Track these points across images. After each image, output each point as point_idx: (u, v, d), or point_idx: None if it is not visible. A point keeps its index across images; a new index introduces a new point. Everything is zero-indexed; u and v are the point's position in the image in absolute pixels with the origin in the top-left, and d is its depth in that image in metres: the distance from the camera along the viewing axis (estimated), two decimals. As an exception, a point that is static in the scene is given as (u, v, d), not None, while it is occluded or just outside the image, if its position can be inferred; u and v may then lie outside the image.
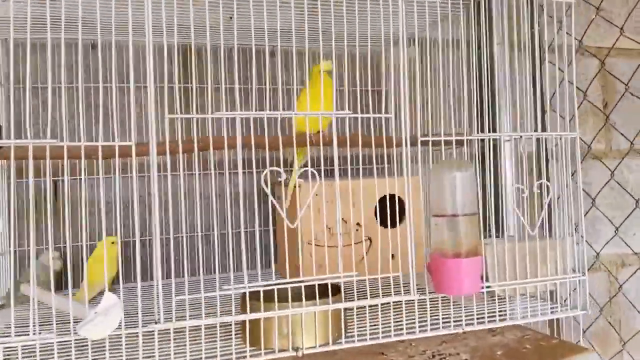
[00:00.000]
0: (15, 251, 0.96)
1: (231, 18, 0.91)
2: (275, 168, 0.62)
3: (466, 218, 0.60)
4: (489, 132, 0.84)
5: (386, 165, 1.21)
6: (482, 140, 0.83)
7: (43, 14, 0.65)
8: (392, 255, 0.99)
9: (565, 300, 0.77)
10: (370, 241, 1.01)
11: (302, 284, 0.63)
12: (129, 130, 0.69)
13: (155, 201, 0.56)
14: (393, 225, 0.96)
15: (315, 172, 0.63)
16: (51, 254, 0.61)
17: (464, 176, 0.60)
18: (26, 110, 0.56)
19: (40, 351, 0.56)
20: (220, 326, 0.64)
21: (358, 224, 1.00)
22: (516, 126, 0.89)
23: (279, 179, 0.63)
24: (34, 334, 0.52)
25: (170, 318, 0.55)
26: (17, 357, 0.54)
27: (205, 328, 0.60)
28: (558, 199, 0.87)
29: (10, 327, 0.56)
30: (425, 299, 0.68)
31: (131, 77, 0.62)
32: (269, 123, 0.62)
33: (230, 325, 0.65)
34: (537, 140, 1.04)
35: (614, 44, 1.13)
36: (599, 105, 1.36)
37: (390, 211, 0.96)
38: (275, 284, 0.58)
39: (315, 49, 1.10)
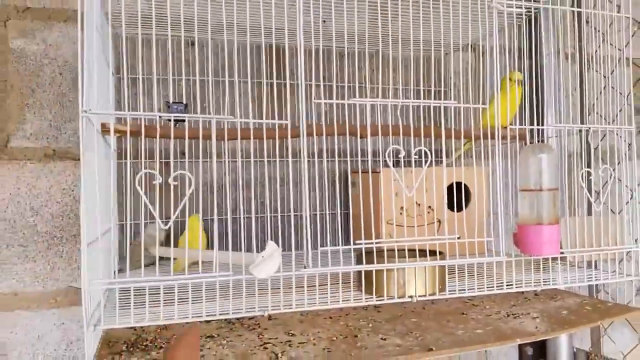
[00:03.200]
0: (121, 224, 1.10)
1: (324, 21, 1.05)
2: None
3: (548, 192, 0.74)
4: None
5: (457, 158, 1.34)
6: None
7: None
8: (459, 237, 1.12)
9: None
10: (440, 223, 1.15)
11: (415, 244, 0.76)
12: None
13: (306, 183, 0.70)
14: (460, 209, 1.10)
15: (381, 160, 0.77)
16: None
17: (548, 157, 0.74)
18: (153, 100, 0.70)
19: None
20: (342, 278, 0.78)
21: (430, 207, 1.14)
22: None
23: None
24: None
25: (317, 265, 0.68)
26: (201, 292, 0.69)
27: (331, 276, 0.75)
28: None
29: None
30: (511, 260, 0.82)
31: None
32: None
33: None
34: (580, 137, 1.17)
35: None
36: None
37: (457, 197, 1.10)
38: (388, 242, 0.72)
39: (384, 52, 1.24)
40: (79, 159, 0.78)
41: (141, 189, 0.65)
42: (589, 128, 0.83)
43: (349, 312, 0.94)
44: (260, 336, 0.81)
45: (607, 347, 1.33)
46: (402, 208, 1.10)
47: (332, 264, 0.74)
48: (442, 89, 1.34)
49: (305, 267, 0.68)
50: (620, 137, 0.85)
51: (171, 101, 0.74)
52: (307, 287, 0.74)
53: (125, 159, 1.04)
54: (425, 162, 0.75)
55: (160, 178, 0.63)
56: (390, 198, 1.07)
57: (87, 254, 0.61)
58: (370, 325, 0.86)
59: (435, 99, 1.34)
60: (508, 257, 0.79)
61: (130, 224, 1.12)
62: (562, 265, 0.95)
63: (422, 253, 0.78)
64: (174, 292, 0.74)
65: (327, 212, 1.24)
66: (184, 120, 0.73)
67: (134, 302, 0.72)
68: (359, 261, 0.76)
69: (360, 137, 0.92)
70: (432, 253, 0.79)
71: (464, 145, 1.03)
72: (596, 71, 1.37)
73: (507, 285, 0.80)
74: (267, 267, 0.64)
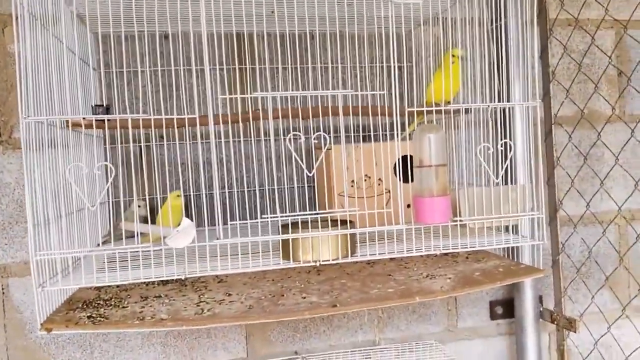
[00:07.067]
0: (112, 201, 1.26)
1: (272, 12, 1.15)
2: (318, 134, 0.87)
3: (436, 168, 0.82)
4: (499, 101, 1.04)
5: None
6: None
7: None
8: (408, 205, 1.22)
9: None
10: (389, 193, 1.24)
11: (319, 216, 0.88)
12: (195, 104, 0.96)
13: (214, 162, 0.82)
14: (407, 180, 1.19)
15: (326, 136, 0.87)
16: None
17: (436, 137, 0.82)
18: (124, 92, 0.83)
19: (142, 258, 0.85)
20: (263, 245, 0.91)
21: (379, 179, 1.23)
22: (527, 95, 1.08)
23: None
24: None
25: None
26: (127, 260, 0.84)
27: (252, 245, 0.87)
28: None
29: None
30: (411, 228, 0.91)
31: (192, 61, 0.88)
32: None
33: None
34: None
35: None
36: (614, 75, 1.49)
37: (404, 168, 1.18)
38: (297, 215, 0.83)
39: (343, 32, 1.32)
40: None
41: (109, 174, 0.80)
42: (496, 105, 0.90)
43: (291, 275, 1.07)
44: (201, 296, 0.95)
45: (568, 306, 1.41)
46: (352, 181, 1.20)
47: (251, 235, 0.86)
48: (405, 64, 1.41)
49: (217, 239, 0.81)
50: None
51: (94, 104, 0.88)
52: (231, 255, 0.88)
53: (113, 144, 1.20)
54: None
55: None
56: (341, 172, 1.18)
57: (35, 232, 0.77)
58: (302, 286, 0.99)
59: (403, 74, 1.41)
60: (407, 225, 0.89)
61: (116, 201, 1.29)
62: (470, 232, 1.02)
63: (334, 223, 0.89)
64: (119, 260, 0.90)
65: (296, 186, 1.36)
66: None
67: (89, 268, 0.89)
68: (277, 232, 0.88)
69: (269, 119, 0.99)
70: (343, 223, 0.90)
71: (414, 120, 1.11)
72: (555, 37, 1.39)
73: (407, 250, 0.90)
74: (180, 239, 0.77)
